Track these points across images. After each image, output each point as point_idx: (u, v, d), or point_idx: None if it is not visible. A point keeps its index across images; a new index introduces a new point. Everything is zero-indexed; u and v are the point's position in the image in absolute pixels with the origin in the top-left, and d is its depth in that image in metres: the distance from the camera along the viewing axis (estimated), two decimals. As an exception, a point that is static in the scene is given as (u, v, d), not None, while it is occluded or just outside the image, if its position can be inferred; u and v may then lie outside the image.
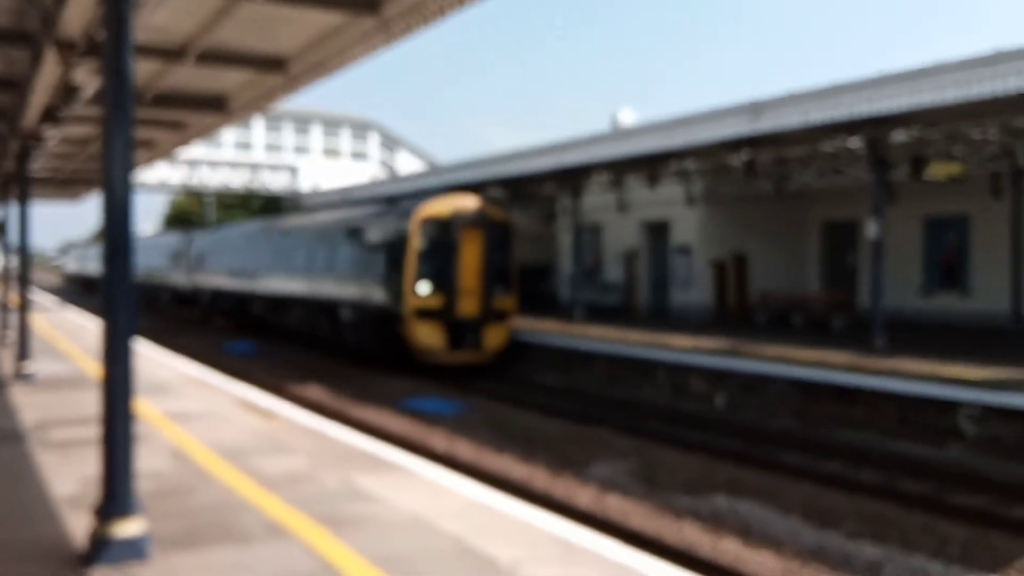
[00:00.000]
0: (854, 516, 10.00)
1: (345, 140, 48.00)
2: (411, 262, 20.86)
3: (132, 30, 5.55)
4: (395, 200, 29.71)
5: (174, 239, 43.49)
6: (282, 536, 6.02)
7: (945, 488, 11.53)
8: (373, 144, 48.96)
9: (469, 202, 21.90)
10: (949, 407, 13.26)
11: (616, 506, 10.42)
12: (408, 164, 48.36)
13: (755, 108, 17.03)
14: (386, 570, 5.39)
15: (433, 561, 5.59)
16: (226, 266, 34.87)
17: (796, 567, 8.55)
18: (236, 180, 44.34)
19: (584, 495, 10.85)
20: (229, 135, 42.56)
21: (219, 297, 36.29)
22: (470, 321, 21.16)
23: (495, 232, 21.63)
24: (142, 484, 5.91)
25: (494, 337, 21.68)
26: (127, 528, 5.39)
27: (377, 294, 22.05)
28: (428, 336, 20.91)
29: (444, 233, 21.10)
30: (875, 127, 17.03)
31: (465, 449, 13.39)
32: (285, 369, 22.82)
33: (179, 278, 41.18)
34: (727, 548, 9.01)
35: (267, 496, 7.02)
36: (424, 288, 20.81)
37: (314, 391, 19.00)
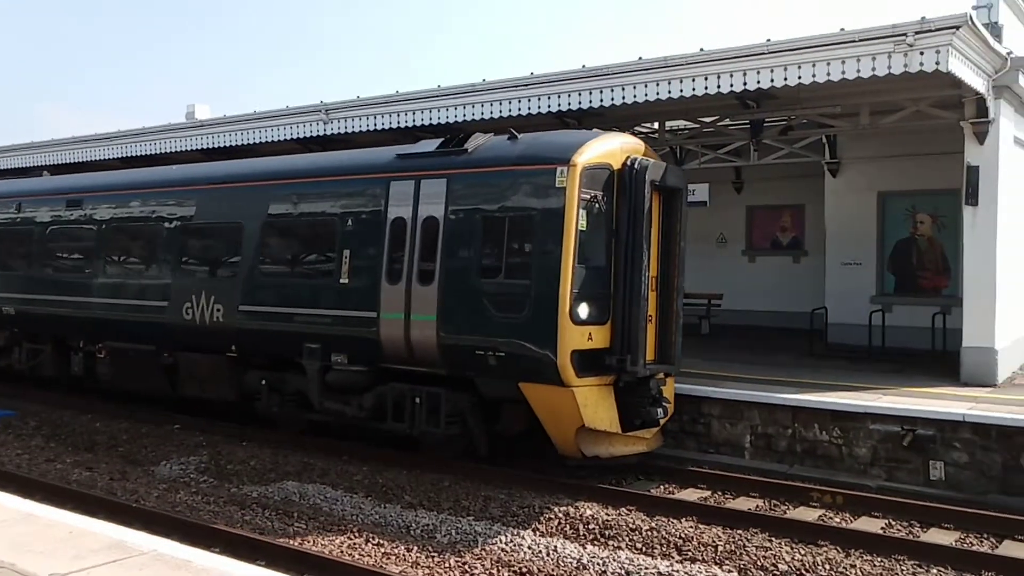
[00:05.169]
0: (412, 489, 11.01)
1: None
2: (567, 258, 10.69)
3: None
4: None
5: None
6: None
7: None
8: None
9: (637, 144, 11.91)
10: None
11: (186, 502, 10.47)
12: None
13: (326, 111, 17.83)
14: None
15: (-45, 587, 5.35)
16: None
17: (360, 541, 9.26)
18: None
19: (152, 495, 10.76)
20: None
21: None
22: (649, 372, 11.50)
23: (678, 202, 12.01)
24: None
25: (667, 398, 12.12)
26: None
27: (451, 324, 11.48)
28: (598, 409, 11.00)
29: (617, 199, 11.18)
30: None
31: (12, 458, 12.46)
32: None
33: None
34: (296, 531, 9.49)
35: None
36: (585, 311, 10.89)
37: None
